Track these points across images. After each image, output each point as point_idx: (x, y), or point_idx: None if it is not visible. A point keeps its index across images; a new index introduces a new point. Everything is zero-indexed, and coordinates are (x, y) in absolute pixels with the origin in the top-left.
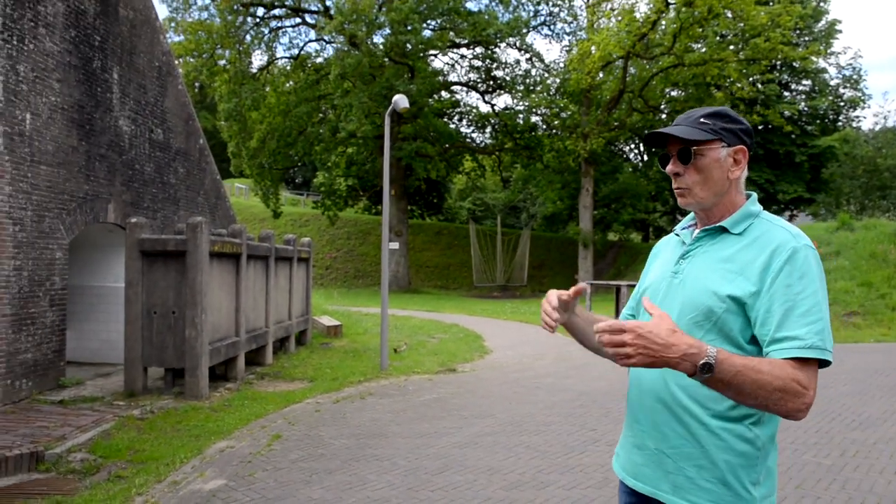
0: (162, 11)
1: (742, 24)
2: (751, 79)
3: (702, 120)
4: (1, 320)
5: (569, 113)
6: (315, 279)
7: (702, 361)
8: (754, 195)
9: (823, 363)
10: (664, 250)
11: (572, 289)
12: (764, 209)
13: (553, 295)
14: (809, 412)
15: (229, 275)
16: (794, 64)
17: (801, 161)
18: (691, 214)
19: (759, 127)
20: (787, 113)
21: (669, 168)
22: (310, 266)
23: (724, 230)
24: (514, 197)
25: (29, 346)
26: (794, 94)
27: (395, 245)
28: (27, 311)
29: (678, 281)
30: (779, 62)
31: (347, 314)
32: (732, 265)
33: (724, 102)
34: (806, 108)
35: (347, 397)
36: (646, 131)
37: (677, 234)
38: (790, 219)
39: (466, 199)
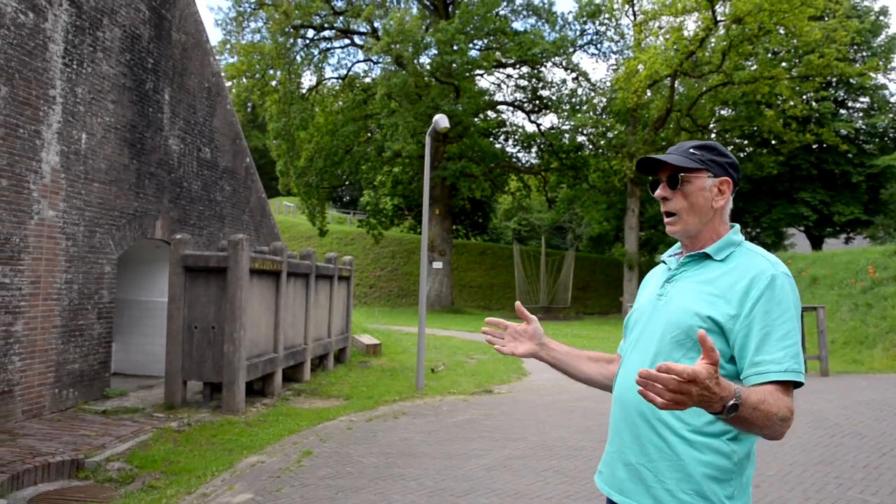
0: (217, 34)
1: (795, 41)
2: (804, 96)
3: (691, 150)
4: (51, 331)
5: (615, 132)
6: (359, 297)
7: (730, 402)
8: (737, 226)
9: (797, 384)
10: (652, 278)
11: (519, 315)
12: (817, 231)
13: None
14: (860, 448)
15: (269, 291)
16: (851, 80)
17: (858, 181)
18: (678, 244)
19: (814, 146)
20: (843, 131)
21: (658, 193)
22: (350, 284)
23: (707, 256)
24: (559, 217)
25: (76, 356)
26: (851, 111)
27: (438, 265)
28: (76, 323)
29: (662, 303)
30: (834, 79)
31: (388, 333)
32: (713, 288)
33: (775, 121)
34: (864, 126)
35: (381, 416)
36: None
37: (664, 262)
38: (846, 241)
39: (511, 219)
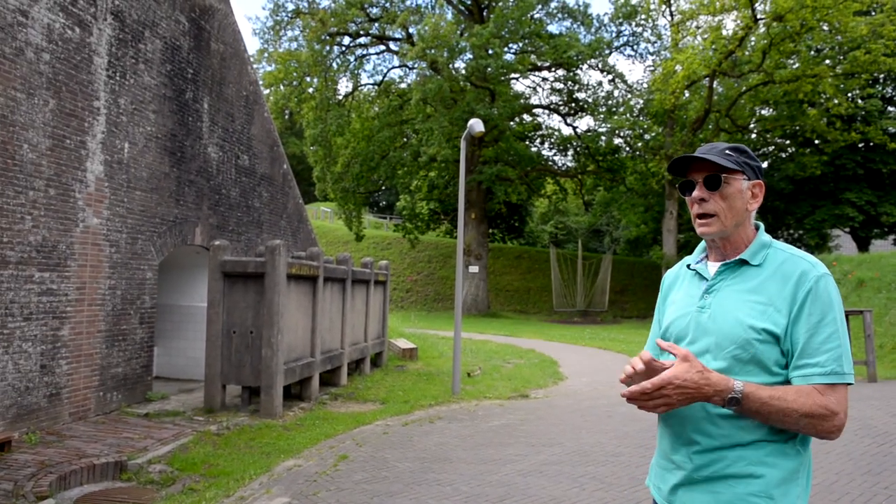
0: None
1: (839, 37)
2: (849, 94)
3: (727, 152)
4: (96, 336)
5: (652, 134)
6: (395, 302)
7: (729, 396)
8: (762, 225)
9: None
10: (679, 285)
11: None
12: (864, 233)
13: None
14: None
15: (306, 296)
16: None
17: None
18: (701, 247)
19: (860, 145)
20: (891, 129)
21: (696, 194)
22: (387, 289)
23: (744, 262)
24: (596, 220)
25: (120, 360)
26: None
27: (475, 268)
28: (119, 328)
29: (707, 316)
30: (881, 75)
31: (424, 337)
32: (760, 297)
33: (819, 120)
34: None
35: (417, 420)
36: (674, 157)
37: (689, 267)
38: (895, 243)
39: (548, 222)
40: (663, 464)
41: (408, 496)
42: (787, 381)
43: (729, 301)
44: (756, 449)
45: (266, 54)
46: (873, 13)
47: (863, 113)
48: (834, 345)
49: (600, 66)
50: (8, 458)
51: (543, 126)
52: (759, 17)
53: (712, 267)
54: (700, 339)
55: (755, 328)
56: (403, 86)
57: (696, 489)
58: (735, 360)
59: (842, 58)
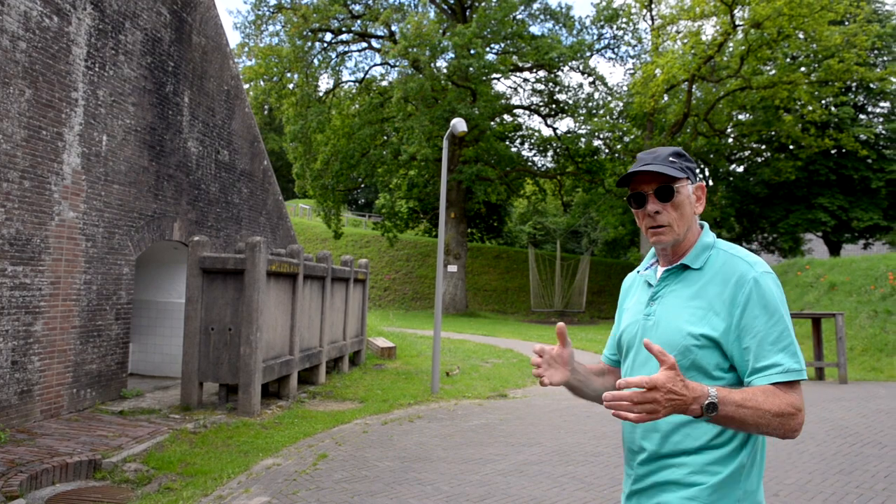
0: (235, 37)
1: (814, 45)
2: (823, 101)
3: (671, 159)
4: (70, 331)
5: (631, 137)
6: (373, 300)
7: (706, 402)
8: (706, 225)
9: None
10: (632, 291)
11: (558, 338)
12: (835, 237)
13: (538, 349)
14: (881, 457)
15: (286, 294)
16: (872, 85)
17: (877, 187)
18: (651, 253)
19: (832, 151)
20: (862, 136)
21: (651, 207)
22: (366, 287)
23: (685, 268)
24: (574, 221)
25: (94, 357)
26: (871, 116)
27: (453, 268)
28: (94, 324)
29: (651, 323)
30: (854, 84)
31: (402, 336)
32: (700, 301)
33: (794, 126)
34: (884, 131)
35: (396, 419)
36: (623, 175)
37: (639, 273)
38: (865, 247)
39: (527, 223)
40: (625, 469)
41: (388, 495)
42: (729, 387)
43: (671, 308)
44: (699, 456)
45: (247, 49)
46: (847, 23)
47: (836, 120)
48: (787, 342)
49: (581, 68)
50: None
51: (524, 127)
52: (737, 23)
53: (661, 272)
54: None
55: (693, 334)
56: (385, 84)
57: (644, 496)
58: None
59: (816, 66)
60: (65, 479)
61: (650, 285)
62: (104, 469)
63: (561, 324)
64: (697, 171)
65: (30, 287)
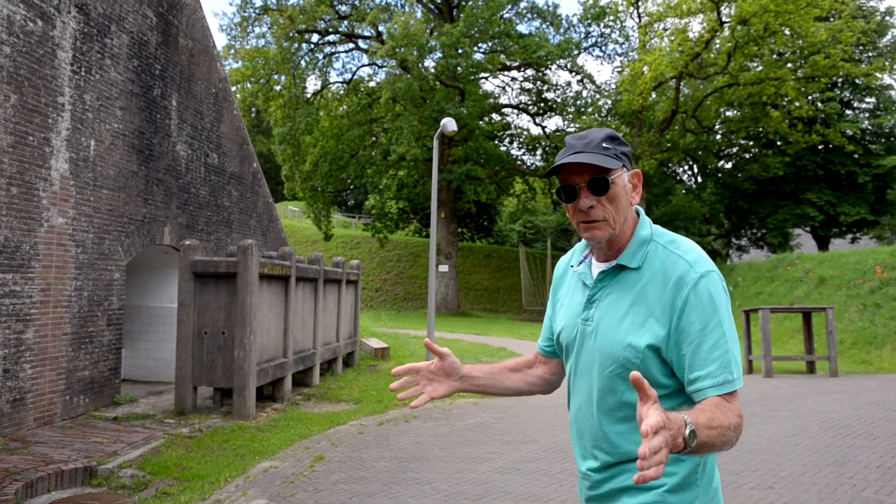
0: (221, 39)
1: (800, 42)
2: (809, 97)
3: (604, 145)
4: (61, 338)
5: (620, 134)
6: (365, 301)
7: (688, 431)
8: (642, 213)
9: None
10: (567, 283)
11: (432, 353)
12: (823, 231)
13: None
14: (873, 448)
15: (278, 296)
16: (857, 81)
17: (864, 182)
18: (582, 244)
19: (819, 147)
20: (849, 132)
21: (584, 202)
22: (358, 288)
23: (622, 267)
24: (564, 220)
25: (87, 363)
26: (857, 111)
27: (444, 268)
28: (86, 330)
29: (590, 329)
30: (840, 79)
31: (395, 336)
32: (640, 307)
33: (781, 122)
34: (870, 127)
35: (391, 420)
36: (551, 165)
37: (572, 266)
38: (852, 242)
39: (517, 221)
40: (579, 474)
41: (387, 496)
42: (675, 392)
43: (609, 315)
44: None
45: (233, 51)
46: (832, 19)
47: (822, 116)
48: (721, 350)
49: (569, 66)
50: None
51: (512, 125)
52: (724, 20)
53: (595, 270)
54: (585, 354)
55: (635, 346)
56: (373, 84)
57: (602, 502)
58: (619, 378)
59: (803, 62)
60: (60, 486)
61: (585, 285)
62: (100, 475)
63: (427, 339)
64: (630, 155)
65: (20, 295)
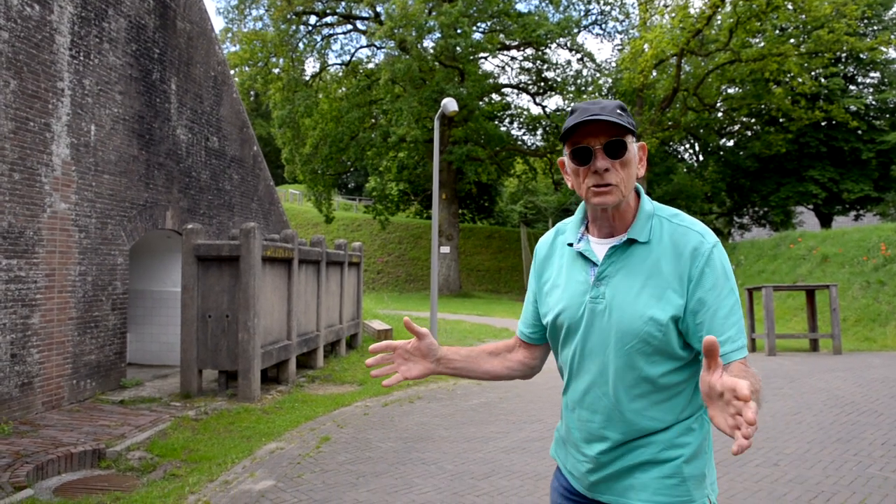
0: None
1: (804, 16)
2: (813, 73)
3: (618, 111)
4: (67, 323)
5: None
6: (366, 283)
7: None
8: (641, 189)
9: None
10: (557, 262)
11: (410, 332)
12: (826, 209)
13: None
14: (878, 425)
15: (281, 279)
16: (861, 55)
17: (868, 158)
18: (577, 220)
19: (822, 123)
20: (852, 107)
21: (601, 164)
22: (360, 270)
23: (632, 241)
24: (565, 199)
25: (93, 347)
26: (861, 87)
27: (446, 249)
28: (91, 315)
29: (602, 308)
30: (844, 54)
31: (398, 318)
32: (657, 280)
33: (784, 98)
34: (874, 102)
35: (396, 401)
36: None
37: (571, 245)
38: (856, 219)
39: (518, 202)
40: (575, 454)
41: (393, 476)
42: (688, 364)
43: (623, 291)
44: (665, 433)
45: (230, 34)
46: None
47: (826, 91)
48: (736, 317)
49: (569, 44)
50: None
51: (512, 105)
52: None
53: (597, 247)
54: (595, 332)
55: (657, 320)
56: (371, 66)
57: (610, 481)
58: (638, 353)
59: (806, 37)
60: (70, 468)
61: (589, 261)
62: (108, 458)
63: (406, 318)
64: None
65: (25, 280)
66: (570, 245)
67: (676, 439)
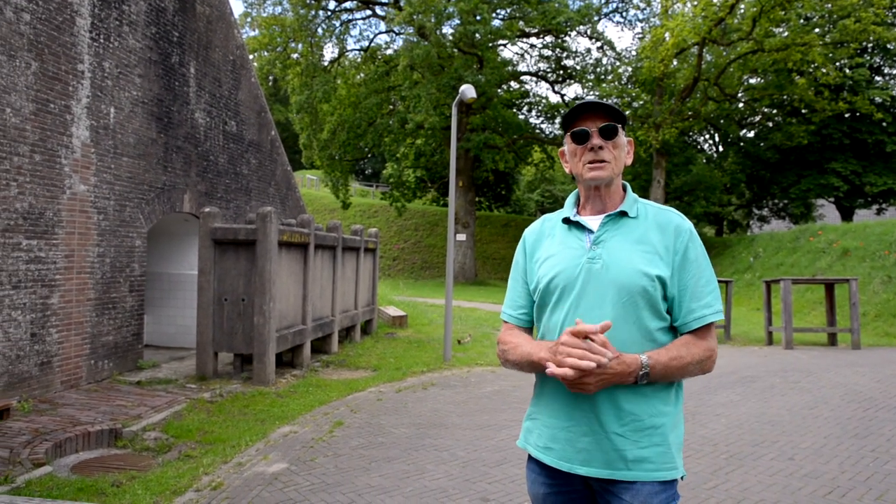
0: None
1: (829, 5)
2: (837, 63)
3: (614, 104)
4: (85, 304)
5: (641, 102)
6: (382, 270)
7: (641, 373)
8: (626, 183)
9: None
10: (549, 240)
11: (598, 327)
12: (848, 202)
13: (580, 332)
14: (892, 421)
15: (297, 264)
16: (889, 46)
17: (892, 151)
18: (570, 202)
19: (846, 115)
20: (878, 99)
21: (596, 141)
22: (376, 256)
23: (623, 214)
24: None
25: (110, 328)
26: (888, 78)
27: (462, 237)
28: (109, 296)
29: (599, 266)
30: (870, 44)
31: (413, 305)
32: (647, 246)
33: (807, 89)
34: None
35: (410, 387)
36: (577, 102)
37: (568, 220)
38: (878, 213)
39: (535, 190)
40: (552, 432)
41: (406, 461)
42: (671, 329)
43: (620, 251)
44: (652, 405)
45: (249, 19)
46: None
47: (850, 82)
48: (713, 285)
49: (589, 32)
50: (2, 425)
51: (531, 93)
52: None
53: (592, 220)
54: (592, 289)
55: (649, 275)
56: (390, 52)
57: (596, 450)
58: (631, 307)
59: (831, 26)
60: (87, 447)
61: (583, 230)
62: (125, 437)
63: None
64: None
65: (45, 260)
66: (566, 220)
67: (662, 407)
